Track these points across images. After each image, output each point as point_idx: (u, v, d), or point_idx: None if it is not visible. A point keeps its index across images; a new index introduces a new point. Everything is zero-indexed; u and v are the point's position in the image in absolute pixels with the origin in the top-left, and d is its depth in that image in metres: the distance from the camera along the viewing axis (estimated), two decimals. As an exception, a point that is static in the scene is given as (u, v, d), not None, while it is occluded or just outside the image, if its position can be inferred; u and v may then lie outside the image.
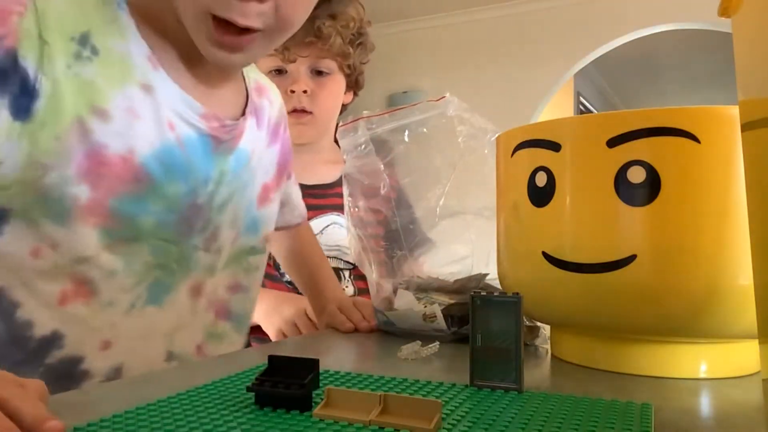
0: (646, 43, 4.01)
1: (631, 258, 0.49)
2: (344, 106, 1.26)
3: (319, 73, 1.14)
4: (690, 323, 0.49)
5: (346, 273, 1.17)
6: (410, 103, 0.78)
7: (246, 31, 0.61)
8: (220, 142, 0.67)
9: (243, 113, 0.72)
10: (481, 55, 3.92)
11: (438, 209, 0.80)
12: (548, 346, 0.62)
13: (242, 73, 0.76)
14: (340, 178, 1.12)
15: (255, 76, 0.79)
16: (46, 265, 0.58)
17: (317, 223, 1.15)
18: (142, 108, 0.60)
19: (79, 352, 0.61)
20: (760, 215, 0.34)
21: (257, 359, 0.55)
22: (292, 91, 1.11)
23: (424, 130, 0.77)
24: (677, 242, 0.48)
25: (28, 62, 0.53)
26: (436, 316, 0.66)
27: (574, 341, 0.56)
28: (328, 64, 1.14)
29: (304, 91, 1.11)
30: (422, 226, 0.81)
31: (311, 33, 1.09)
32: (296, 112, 1.12)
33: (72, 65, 0.56)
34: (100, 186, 0.58)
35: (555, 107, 4.31)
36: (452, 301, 0.68)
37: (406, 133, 0.77)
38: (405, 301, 0.70)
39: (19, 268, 0.58)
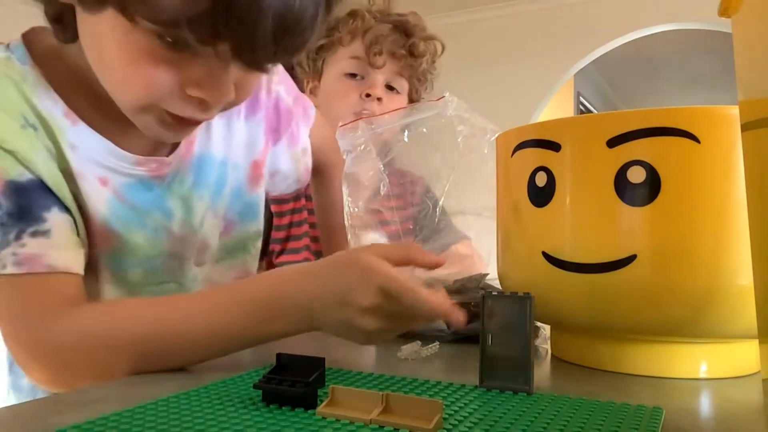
0: (646, 43, 4.01)
1: (631, 258, 0.49)
2: None
3: (391, 88, 1.14)
4: (690, 323, 0.49)
5: None
6: (410, 104, 0.78)
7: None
8: (163, 176, 0.64)
9: None
10: (481, 55, 3.92)
11: (438, 209, 0.80)
12: (548, 346, 0.62)
13: None
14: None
15: None
16: None
17: None
18: (80, 168, 0.57)
19: None
20: (760, 215, 0.34)
21: (264, 359, 0.55)
22: (368, 95, 1.10)
23: (424, 130, 0.77)
24: (677, 242, 0.48)
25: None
26: None
27: (574, 341, 0.56)
28: (402, 84, 1.15)
29: (378, 99, 1.11)
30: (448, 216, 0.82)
31: (405, 47, 1.11)
32: (365, 116, 1.11)
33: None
34: (92, 250, 0.60)
35: (555, 107, 4.31)
36: (452, 302, 0.68)
37: (406, 133, 0.77)
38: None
39: None
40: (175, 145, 0.65)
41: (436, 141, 0.78)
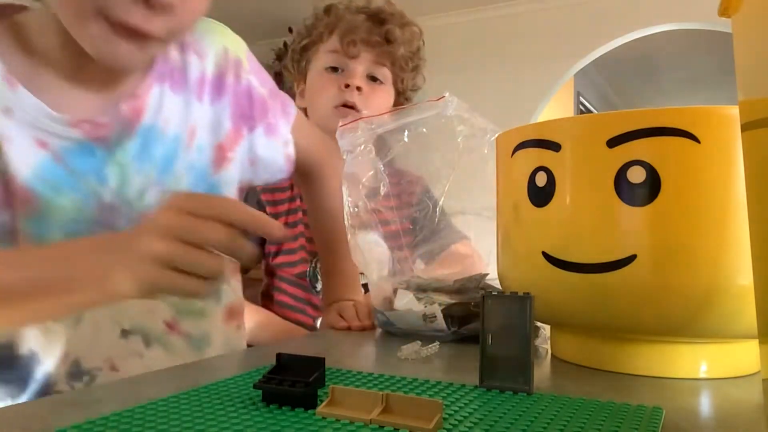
0: (646, 43, 4.01)
1: (631, 258, 0.49)
2: None
3: (373, 79, 1.14)
4: (690, 323, 0.49)
5: None
6: (410, 103, 0.78)
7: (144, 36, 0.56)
8: (106, 140, 0.64)
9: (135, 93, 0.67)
10: (481, 55, 3.92)
11: (438, 209, 0.80)
12: (548, 346, 0.62)
13: None
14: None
15: None
16: None
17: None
18: (8, 132, 0.58)
19: (14, 335, 0.62)
20: (760, 215, 0.34)
21: (264, 360, 0.55)
22: (347, 86, 1.11)
23: (424, 130, 0.77)
24: (677, 242, 0.48)
25: None
26: (436, 316, 0.66)
27: (574, 341, 0.56)
28: (384, 73, 1.15)
29: (358, 88, 1.11)
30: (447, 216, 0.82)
31: (379, 34, 1.11)
32: (345, 107, 1.11)
33: None
34: (6, 211, 0.59)
35: (555, 107, 4.31)
36: (452, 301, 0.68)
37: (406, 133, 0.77)
38: (405, 301, 0.70)
39: None
40: (118, 112, 0.65)
41: (436, 141, 0.78)
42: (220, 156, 0.74)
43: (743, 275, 0.47)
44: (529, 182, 0.54)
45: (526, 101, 3.76)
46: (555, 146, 0.52)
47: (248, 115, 0.77)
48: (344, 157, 0.77)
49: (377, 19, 1.13)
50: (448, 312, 0.67)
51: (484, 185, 0.70)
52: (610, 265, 0.49)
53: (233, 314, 0.80)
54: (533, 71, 3.76)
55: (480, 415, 0.38)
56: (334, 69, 1.14)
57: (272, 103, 0.81)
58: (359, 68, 1.13)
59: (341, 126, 0.77)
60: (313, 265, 1.11)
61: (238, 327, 0.82)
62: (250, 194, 1.13)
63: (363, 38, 1.11)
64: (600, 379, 0.50)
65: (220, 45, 0.75)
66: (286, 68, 1.24)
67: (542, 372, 0.54)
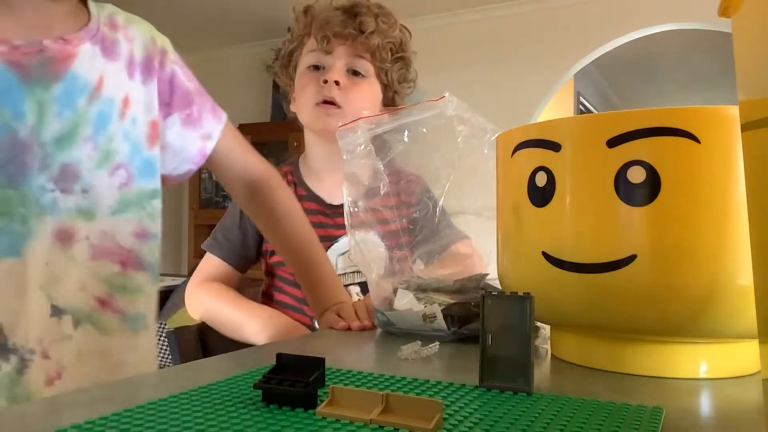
0: (646, 43, 4.01)
1: (631, 258, 0.49)
2: None
3: (355, 73, 1.13)
4: (690, 323, 0.49)
5: None
6: (410, 103, 0.78)
7: None
8: (26, 69, 0.64)
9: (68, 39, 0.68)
10: (480, 55, 3.92)
11: (438, 209, 0.80)
12: (548, 346, 0.62)
13: (87, 6, 0.73)
14: None
15: (110, 12, 0.75)
16: None
17: (345, 243, 1.13)
18: None
19: None
20: (760, 215, 0.34)
21: (264, 359, 0.55)
22: (325, 81, 1.10)
23: (424, 130, 0.77)
24: (677, 242, 0.48)
25: None
26: (436, 316, 0.66)
27: (574, 341, 0.56)
28: (365, 66, 1.13)
29: (336, 83, 1.09)
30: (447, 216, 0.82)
31: (352, 25, 1.10)
32: (325, 103, 1.10)
33: None
34: None
35: (555, 107, 4.31)
36: (452, 301, 0.68)
37: (406, 133, 0.77)
38: (405, 301, 0.70)
39: None
40: (42, 46, 0.65)
41: (436, 141, 0.78)
42: (153, 133, 0.75)
43: (743, 275, 0.47)
44: (529, 182, 0.54)
45: (526, 101, 3.76)
46: (555, 146, 0.52)
47: (166, 102, 0.79)
48: (344, 157, 0.77)
49: (351, 12, 1.12)
50: (448, 312, 0.67)
51: (484, 185, 0.70)
52: (610, 265, 0.49)
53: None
54: (533, 71, 3.76)
55: (480, 415, 0.38)
56: (316, 67, 1.13)
57: (198, 99, 0.83)
58: (337, 63, 1.11)
59: (341, 126, 0.77)
60: None
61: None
62: None
63: (337, 32, 1.09)
64: (600, 379, 0.50)
65: (147, 34, 0.78)
66: (277, 75, 1.24)
67: (542, 372, 0.54)
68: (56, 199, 0.66)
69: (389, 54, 1.15)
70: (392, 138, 0.77)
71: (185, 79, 0.82)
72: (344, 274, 1.11)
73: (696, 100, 6.24)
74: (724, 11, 0.35)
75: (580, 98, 5.41)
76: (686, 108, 0.48)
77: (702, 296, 0.48)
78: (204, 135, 0.85)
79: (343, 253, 1.11)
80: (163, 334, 3.11)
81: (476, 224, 0.78)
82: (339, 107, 1.10)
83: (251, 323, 1.05)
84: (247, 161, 0.91)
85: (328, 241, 1.09)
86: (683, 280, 0.48)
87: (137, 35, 0.77)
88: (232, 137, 0.89)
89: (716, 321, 0.48)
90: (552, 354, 0.60)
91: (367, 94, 1.15)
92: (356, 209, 0.76)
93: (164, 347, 3.15)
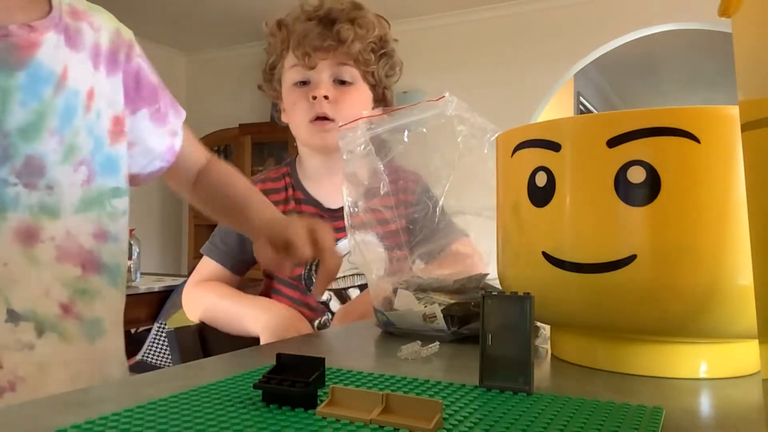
0: (646, 43, 4.01)
1: (631, 258, 0.49)
2: None
3: (342, 82, 1.12)
4: (690, 323, 0.49)
5: None
6: (410, 103, 0.78)
7: None
8: None
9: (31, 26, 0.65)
10: (481, 55, 3.92)
11: (438, 209, 0.80)
12: (548, 346, 0.62)
13: None
14: None
15: (72, 1, 0.72)
16: None
17: (345, 245, 1.13)
18: None
19: None
20: (760, 215, 0.34)
21: (264, 359, 0.55)
22: (314, 97, 1.09)
23: (424, 130, 0.77)
24: (677, 242, 0.48)
25: None
26: (436, 316, 0.66)
27: (574, 341, 0.56)
28: (351, 72, 1.12)
29: (325, 97, 1.08)
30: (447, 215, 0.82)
31: (330, 37, 1.08)
32: (318, 120, 1.10)
33: None
34: None
35: (555, 107, 4.31)
36: (452, 301, 0.68)
37: (406, 133, 0.77)
38: (405, 301, 0.70)
39: None
40: (7, 30, 0.63)
41: (435, 141, 0.78)
42: (116, 129, 0.73)
43: (743, 275, 0.47)
44: (529, 182, 0.54)
45: (526, 101, 3.76)
46: (555, 146, 0.52)
47: (133, 96, 0.77)
48: (344, 157, 0.77)
49: (327, 20, 1.09)
50: (448, 312, 0.67)
51: (484, 185, 0.70)
52: (610, 265, 0.49)
53: (123, 290, 0.76)
54: (533, 71, 3.76)
55: (480, 415, 0.38)
56: (303, 83, 1.12)
57: (163, 93, 0.82)
58: (323, 76, 1.10)
59: (341, 126, 0.77)
60: (308, 267, 1.11)
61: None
62: None
63: (316, 46, 1.08)
64: (600, 379, 0.50)
65: (112, 25, 0.76)
66: (262, 89, 1.22)
67: (542, 372, 0.54)
68: (19, 194, 0.63)
69: (372, 55, 1.13)
70: (392, 138, 0.77)
71: (150, 73, 0.80)
72: (344, 276, 1.11)
73: (696, 100, 6.24)
74: (724, 11, 0.35)
75: (580, 98, 5.42)
76: (686, 108, 0.48)
77: (702, 296, 0.48)
78: (171, 131, 0.83)
79: (342, 256, 1.11)
80: (163, 334, 3.11)
81: (476, 224, 0.78)
82: (332, 120, 1.09)
83: (249, 312, 1.05)
84: (199, 151, 0.89)
85: None
86: (683, 280, 0.48)
87: (103, 25, 0.74)
88: (188, 133, 0.88)
89: (716, 321, 0.48)
90: (552, 354, 0.60)
91: (358, 100, 1.13)
92: (356, 210, 0.76)
93: (164, 347, 3.15)
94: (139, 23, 2.51)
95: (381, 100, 1.19)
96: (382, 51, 1.15)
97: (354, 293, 1.10)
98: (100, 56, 0.72)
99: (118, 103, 0.74)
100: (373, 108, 1.18)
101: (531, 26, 3.80)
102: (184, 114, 0.87)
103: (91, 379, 0.67)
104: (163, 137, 0.82)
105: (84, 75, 0.69)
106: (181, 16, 4.12)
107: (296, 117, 1.12)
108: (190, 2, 3.87)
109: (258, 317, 1.03)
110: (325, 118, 1.09)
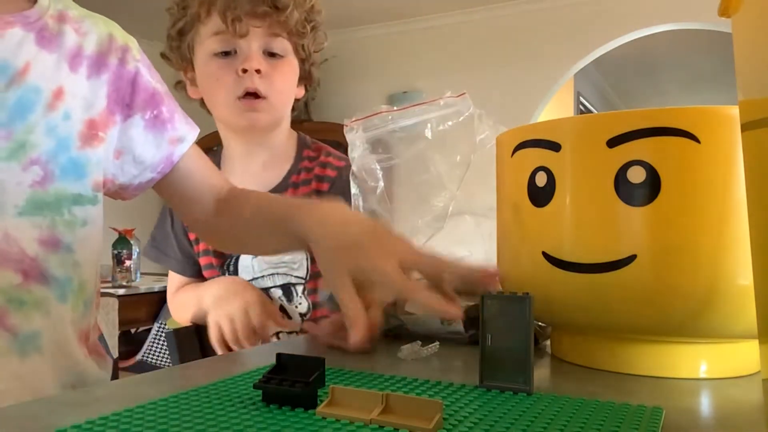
0: (646, 43, 4.01)
1: (631, 258, 0.49)
2: (296, 101, 1.08)
3: (272, 55, 0.99)
4: (690, 323, 0.49)
5: (299, 288, 1.04)
6: (416, 102, 0.77)
7: None
8: None
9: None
10: (481, 55, 3.92)
11: (449, 210, 0.79)
12: (547, 344, 0.62)
13: None
14: (287, 181, 1.06)
15: (64, 6, 0.71)
16: None
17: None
18: None
19: None
20: (760, 215, 0.34)
21: (264, 360, 0.55)
22: (244, 71, 0.96)
23: (441, 127, 0.76)
24: (677, 242, 0.48)
25: None
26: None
27: (574, 341, 0.56)
28: (283, 45, 1.00)
29: (257, 71, 0.96)
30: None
31: (266, 3, 0.96)
32: (248, 96, 0.97)
33: None
34: None
35: (555, 107, 4.31)
36: (470, 303, 0.68)
37: (428, 129, 0.75)
38: (420, 305, 0.68)
39: None
40: None
41: (452, 139, 0.77)
42: (90, 132, 0.69)
43: (743, 275, 0.47)
44: (529, 182, 0.54)
45: (526, 101, 3.76)
46: (555, 146, 0.52)
47: (126, 102, 0.73)
48: (351, 155, 0.77)
49: None
50: (467, 314, 0.66)
51: (489, 186, 0.70)
52: (610, 265, 0.49)
53: (86, 340, 0.71)
54: (533, 71, 3.76)
55: (480, 415, 0.38)
56: (225, 53, 0.98)
57: (168, 101, 0.78)
58: (253, 46, 0.97)
59: (348, 122, 0.76)
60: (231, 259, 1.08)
61: (91, 358, 0.71)
62: None
63: (248, 11, 0.95)
64: (600, 379, 0.50)
65: (105, 31, 0.73)
66: (165, 56, 1.07)
67: (542, 372, 0.54)
68: None
69: (306, 26, 1.01)
70: (392, 138, 0.77)
71: (152, 79, 0.76)
72: (261, 277, 1.05)
73: (696, 100, 6.25)
74: (724, 11, 0.35)
75: (580, 98, 5.42)
76: (686, 108, 0.48)
77: (702, 296, 0.48)
78: (175, 138, 0.77)
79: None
80: (163, 335, 3.11)
81: (480, 224, 0.78)
82: (264, 98, 0.98)
83: (202, 293, 1.03)
84: (219, 178, 0.83)
85: None
86: (683, 280, 0.48)
87: (92, 30, 0.72)
88: (202, 157, 0.82)
89: (716, 321, 0.48)
90: (552, 354, 0.60)
91: (288, 76, 1.02)
92: (358, 210, 0.76)
93: (164, 347, 3.15)
94: (139, 23, 2.51)
95: (306, 77, 1.08)
96: (314, 23, 1.03)
97: (276, 293, 1.05)
98: (81, 58, 0.70)
99: (97, 106, 0.70)
100: (297, 86, 1.07)
101: (531, 26, 3.80)
102: (196, 127, 0.81)
103: (20, 397, 0.59)
104: (161, 145, 0.76)
105: (52, 74, 0.66)
106: (181, 16, 4.12)
107: (218, 93, 0.99)
108: (190, 2, 3.86)
109: (208, 289, 1.02)
110: (255, 95, 0.98)
